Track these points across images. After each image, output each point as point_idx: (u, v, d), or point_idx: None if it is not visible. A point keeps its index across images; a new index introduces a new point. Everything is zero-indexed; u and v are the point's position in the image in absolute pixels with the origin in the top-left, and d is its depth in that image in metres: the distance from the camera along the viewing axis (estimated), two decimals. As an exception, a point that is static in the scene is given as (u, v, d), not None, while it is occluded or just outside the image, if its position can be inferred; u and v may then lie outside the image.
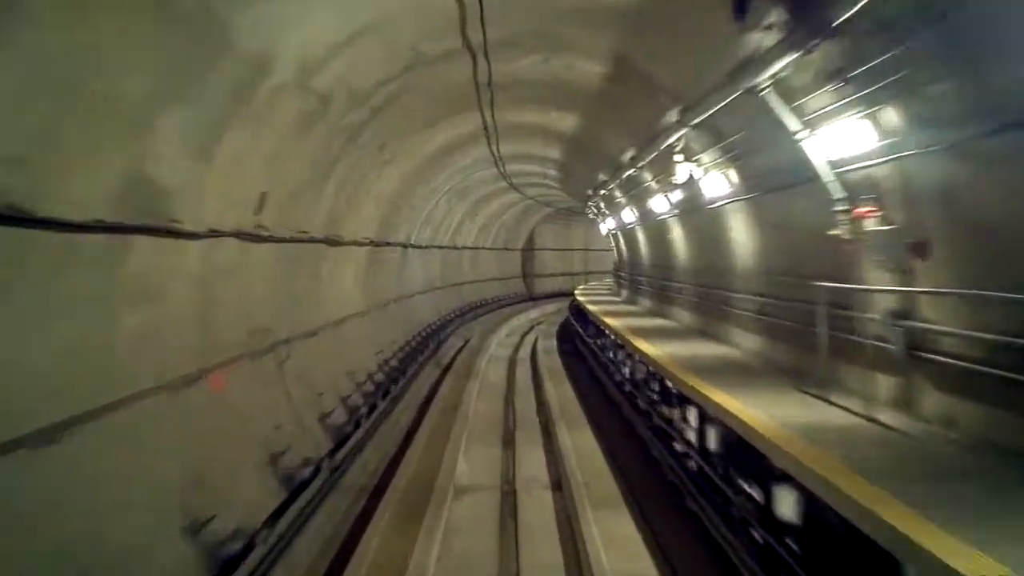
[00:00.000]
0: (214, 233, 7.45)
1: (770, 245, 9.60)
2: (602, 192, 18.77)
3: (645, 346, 11.05)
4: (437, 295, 25.72)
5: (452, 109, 12.99)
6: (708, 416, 7.84)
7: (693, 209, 12.57)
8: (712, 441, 7.73)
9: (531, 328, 29.76)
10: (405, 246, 20.24)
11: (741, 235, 10.58)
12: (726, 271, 11.39)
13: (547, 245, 44.08)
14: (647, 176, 14.44)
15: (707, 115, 8.85)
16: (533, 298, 40.52)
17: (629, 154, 13.97)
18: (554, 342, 24.71)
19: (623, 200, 18.32)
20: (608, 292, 26.69)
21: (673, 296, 15.34)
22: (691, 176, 10.94)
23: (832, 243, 7.27)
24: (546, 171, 23.33)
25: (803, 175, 7.53)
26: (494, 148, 18.27)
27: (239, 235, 8.25)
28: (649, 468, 9.61)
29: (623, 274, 23.88)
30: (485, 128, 15.46)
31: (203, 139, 6.71)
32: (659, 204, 14.55)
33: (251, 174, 8.06)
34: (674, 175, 11.06)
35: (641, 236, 18.86)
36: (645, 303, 18.70)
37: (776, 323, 9.20)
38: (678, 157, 10.81)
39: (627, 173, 14.70)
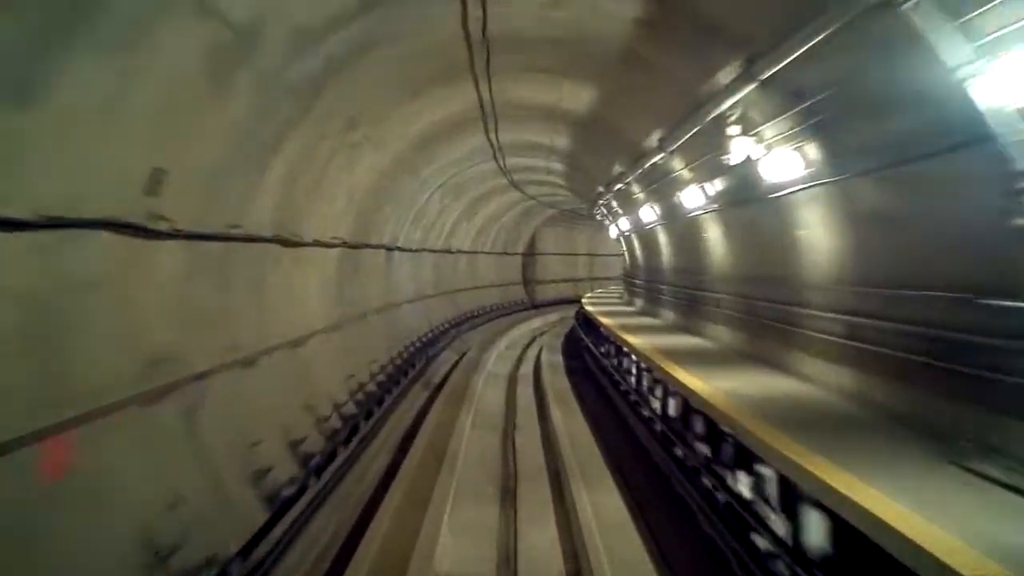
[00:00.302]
0: (59, 223, 4.86)
1: (871, 245, 7.01)
2: (617, 187, 16.17)
3: (689, 379, 8.45)
4: (429, 304, 23.11)
5: (438, 75, 10.41)
6: (808, 499, 5.26)
7: (743, 201, 9.98)
8: (822, 539, 5.12)
9: (533, 340, 27.14)
10: (390, 249, 17.65)
11: (819, 233, 7.99)
12: (790, 280, 8.81)
13: (549, 249, 41.50)
14: (677, 164, 11.86)
15: (790, 60, 6.28)
16: (535, 306, 37.89)
17: (656, 136, 11.39)
18: (560, 357, 22.08)
19: (642, 196, 15.73)
20: (619, 301, 24.12)
21: (707, 309, 12.74)
22: (748, 157, 8.38)
23: (1005, 239, 4.72)
24: (550, 165, 20.77)
25: (956, 136, 4.98)
26: (492, 136, 15.72)
27: (117, 226, 5.66)
28: (712, 564, 6.89)
29: (638, 281, 21.29)
30: (481, 107, 12.91)
31: (11, 67, 4.13)
32: (692, 198, 11.96)
33: (131, 137, 5.47)
34: (727, 154, 8.47)
35: (663, 238, 16.26)
36: (667, 316, 16.10)
37: (884, 354, 6.60)
38: (733, 130, 8.22)
39: (652, 161, 12.12)
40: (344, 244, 12.90)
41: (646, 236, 18.28)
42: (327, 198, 11.08)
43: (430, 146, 14.81)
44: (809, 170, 7.58)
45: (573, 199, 28.24)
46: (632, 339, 12.68)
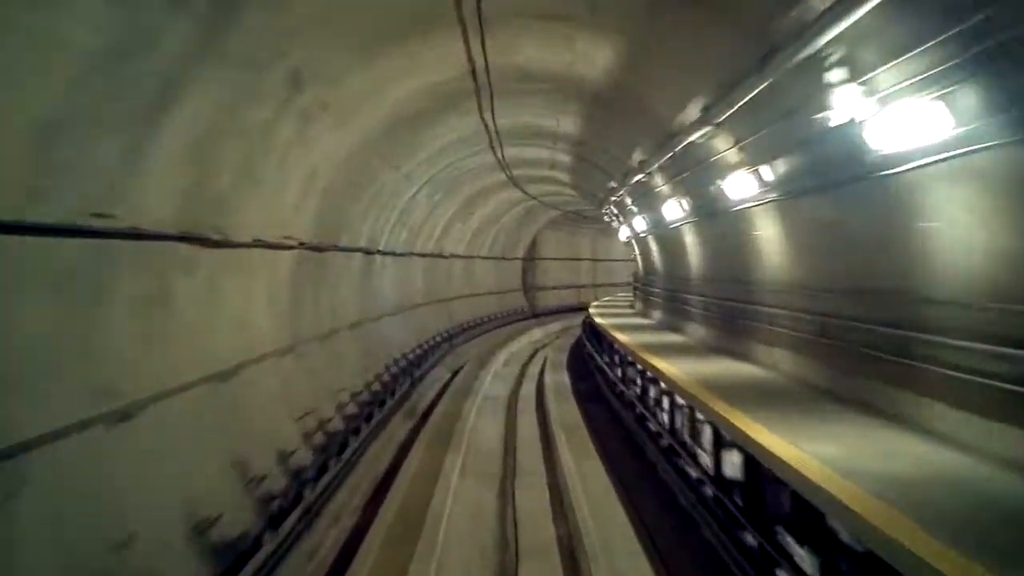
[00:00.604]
0: None
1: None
2: (636, 179, 13.63)
3: (767, 437, 5.90)
4: (418, 314, 20.54)
5: (412, 16, 7.85)
6: None
7: (822, 187, 7.44)
8: None
9: (534, 354, 24.60)
10: (369, 252, 15.08)
11: (962, 226, 5.45)
12: (905, 294, 6.27)
13: (551, 254, 38.92)
14: (722, 143, 9.32)
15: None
16: (536, 314, 35.28)
17: (698, 105, 8.86)
18: (566, 376, 19.48)
19: (667, 189, 13.21)
20: (631, 311, 21.57)
21: (755, 326, 10.17)
22: (851, 119, 5.86)
23: None
24: (556, 157, 18.27)
25: None
26: (487, 117, 13.19)
27: None
28: None
29: (654, 290, 18.75)
30: (473, 74, 10.37)
31: None
32: (740, 187, 9.44)
33: None
34: (819, 114, 5.96)
35: (692, 238, 13.72)
36: (696, 332, 13.53)
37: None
38: (835, 74, 5.69)
39: (688, 140, 9.57)
40: (301, 245, 10.33)
41: (668, 237, 15.73)
42: (271, 184, 8.52)
43: (412, 129, 12.27)
44: (959, 130, 5.04)
45: (578, 199, 25.78)
46: (661, 364, 10.11)
